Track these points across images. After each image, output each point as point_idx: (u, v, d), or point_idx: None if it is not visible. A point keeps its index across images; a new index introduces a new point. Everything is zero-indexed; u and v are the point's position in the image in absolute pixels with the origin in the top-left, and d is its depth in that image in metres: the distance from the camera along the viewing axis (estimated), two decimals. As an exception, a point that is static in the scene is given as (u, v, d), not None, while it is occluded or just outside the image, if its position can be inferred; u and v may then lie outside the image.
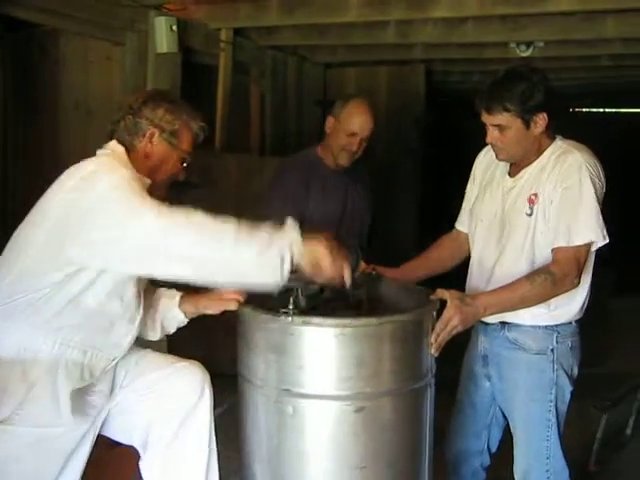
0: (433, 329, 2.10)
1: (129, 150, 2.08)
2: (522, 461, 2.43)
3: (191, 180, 3.96)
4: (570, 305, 2.34)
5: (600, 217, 2.24)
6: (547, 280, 2.21)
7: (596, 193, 2.24)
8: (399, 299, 2.38)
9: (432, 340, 2.10)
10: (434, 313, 2.13)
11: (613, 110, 9.19)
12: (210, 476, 2.23)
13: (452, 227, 2.72)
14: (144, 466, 2.23)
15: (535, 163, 2.35)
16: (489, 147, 2.47)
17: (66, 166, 2.00)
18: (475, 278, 2.48)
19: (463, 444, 2.61)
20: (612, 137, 7.94)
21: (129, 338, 2.10)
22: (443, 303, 2.15)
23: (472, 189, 2.61)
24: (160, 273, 1.90)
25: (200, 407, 2.19)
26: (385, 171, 5.28)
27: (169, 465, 2.19)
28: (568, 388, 2.39)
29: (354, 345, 1.97)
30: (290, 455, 2.02)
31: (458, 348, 2.42)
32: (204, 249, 1.82)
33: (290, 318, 1.94)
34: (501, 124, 2.28)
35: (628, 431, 4.06)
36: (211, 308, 2.25)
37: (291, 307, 1.94)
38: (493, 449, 2.62)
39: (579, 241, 2.22)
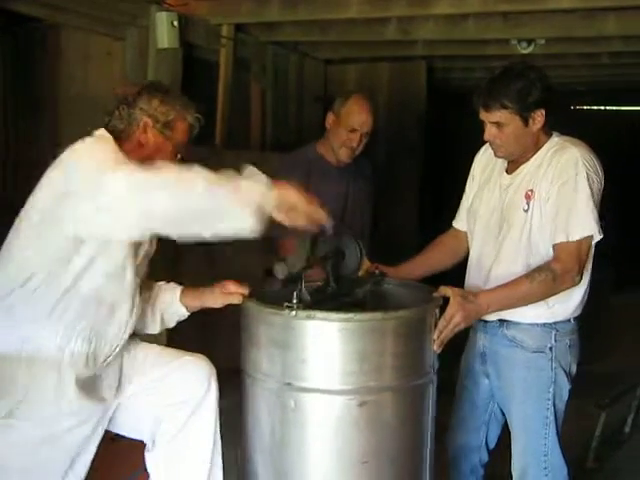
0: (436, 326, 2.11)
1: (122, 141, 2.08)
2: (520, 458, 2.44)
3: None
4: (569, 302, 2.35)
5: (595, 212, 2.25)
6: (548, 277, 2.22)
7: (592, 188, 2.25)
8: (402, 296, 2.39)
9: (435, 337, 2.11)
10: (437, 310, 2.14)
11: (614, 108, 9.19)
12: (214, 468, 2.23)
13: (452, 222, 2.72)
14: (150, 458, 2.25)
15: (532, 160, 2.36)
16: (488, 145, 2.48)
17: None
18: (473, 275, 2.49)
19: (462, 440, 2.62)
20: (613, 135, 7.95)
21: (131, 323, 2.10)
22: (446, 300, 2.15)
23: (471, 187, 2.62)
24: (144, 231, 1.87)
25: (207, 400, 2.20)
26: (386, 167, 5.27)
27: (175, 457, 2.20)
28: (566, 386, 2.39)
29: (358, 340, 1.98)
30: (292, 449, 2.03)
31: (457, 345, 2.42)
32: (178, 202, 1.76)
33: (294, 312, 1.95)
34: (499, 121, 2.29)
35: (627, 429, 4.07)
36: (214, 302, 2.25)
37: (295, 301, 1.95)
38: (491, 446, 2.63)
39: (577, 236, 2.23)
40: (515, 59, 4.67)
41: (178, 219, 1.77)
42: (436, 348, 2.12)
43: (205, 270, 4.14)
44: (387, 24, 4.55)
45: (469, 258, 2.55)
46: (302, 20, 4.52)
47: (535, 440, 2.39)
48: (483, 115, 2.32)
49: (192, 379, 2.21)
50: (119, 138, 2.08)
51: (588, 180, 2.24)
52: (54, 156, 2.00)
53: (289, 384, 2.00)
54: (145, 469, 2.26)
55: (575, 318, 2.40)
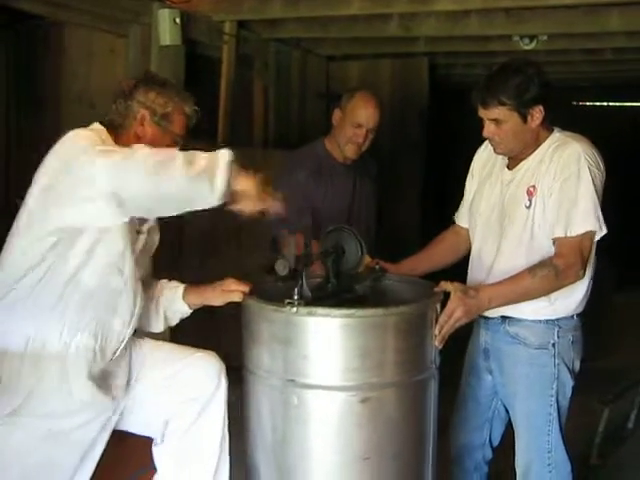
0: (437, 321, 2.11)
1: (120, 133, 2.09)
2: (523, 455, 2.44)
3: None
4: (571, 298, 2.35)
5: (598, 207, 2.25)
6: (550, 272, 2.22)
7: (595, 183, 2.25)
8: (403, 292, 2.39)
9: (436, 332, 2.11)
10: (438, 305, 2.14)
11: (616, 104, 9.17)
12: (222, 463, 2.23)
13: (454, 219, 2.73)
14: (158, 453, 2.25)
15: (533, 155, 2.36)
16: (488, 142, 2.48)
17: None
18: (475, 271, 2.48)
19: (466, 438, 2.61)
20: (615, 131, 7.93)
21: (135, 315, 2.10)
22: (447, 295, 2.16)
23: (471, 184, 2.62)
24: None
25: (217, 396, 2.20)
26: (389, 164, 5.27)
27: (184, 453, 2.20)
28: (569, 383, 2.39)
29: (359, 336, 1.98)
30: (294, 445, 2.04)
31: (460, 341, 2.43)
32: (158, 190, 1.81)
33: (295, 309, 1.95)
34: (497, 118, 2.29)
35: (630, 425, 4.07)
36: (215, 300, 2.25)
37: (296, 298, 1.95)
38: (495, 443, 2.63)
39: (578, 231, 2.23)
40: (517, 55, 4.68)
41: (154, 204, 1.88)
42: (437, 343, 2.12)
43: (206, 268, 4.15)
44: (389, 20, 4.55)
45: (471, 254, 2.55)
46: (304, 17, 4.52)
47: (539, 437, 2.39)
48: (481, 112, 2.32)
49: (202, 376, 2.21)
50: (116, 132, 2.09)
51: (590, 175, 2.24)
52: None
53: (292, 381, 2.00)
54: (152, 466, 2.26)
55: (578, 314, 2.39)
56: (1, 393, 1.94)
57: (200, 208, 1.85)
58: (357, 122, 3.03)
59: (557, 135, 2.36)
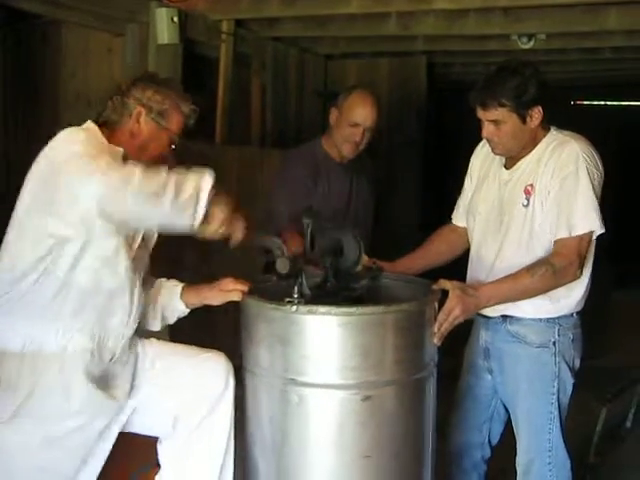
0: (436, 319, 2.11)
1: (115, 130, 2.07)
2: (524, 454, 2.44)
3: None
4: (571, 296, 2.35)
5: (597, 206, 2.25)
6: (548, 271, 2.22)
7: (593, 182, 2.25)
8: (400, 291, 2.40)
9: (435, 330, 2.11)
10: (436, 303, 2.14)
11: (615, 103, 9.17)
12: (227, 462, 2.22)
13: (452, 219, 2.72)
14: (163, 451, 2.23)
15: (531, 155, 2.36)
16: (485, 141, 2.48)
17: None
18: (475, 271, 2.48)
19: (464, 437, 2.61)
20: (613, 130, 7.94)
21: (133, 315, 2.08)
22: (445, 293, 2.16)
23: (469, 183, 2.62)
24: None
25: (225, 396, 2.19)
26: (386, 163, 5.27)
27: (190, 452, 2.19)
28: (570, 381, 2.39)
29: (360, 334, 1.98)
30: (294, 444, 2.03)
31: (458, 340, 2.42)
32: (145, 213, 1.81)
33: (295, 307, 1.95)
34: (497, 119, 2.29)
35: (628, 424, 4.07)
36: (214, 299, 2.24)
37: (296, 296, 1.95)
38: (494, 442, 2.63)
39: (579, 231, 2.23)
40: (516, 54, 4.68)
41: (137, 225, 1.95)
42: (436, 341, 2.12)
43: (204, 267, 4.14)
44: (387, 19, 4.54)
45: (470, 253, 2.55)
46: (302, 15, 4.51)
47: (539, 435, 2.39)
48: (480, 113, 2.32)
49: (211, 376, 2.19)
50: (112, 129, 2.07)
51: (589, 174, 2.24)
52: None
53: (292, 379, 2.00)
54: (155, 463, 2.25)
55: (578, 313, 2.40)
56: (0, 395, 1.94)
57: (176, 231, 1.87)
58: (354, 121, 3.01)
59: (554, 134, 2.37)
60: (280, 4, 4.24)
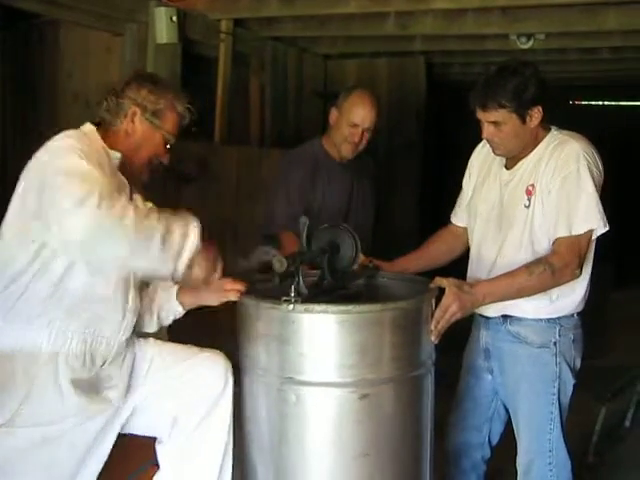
0: (433, 317, 2.11)
1: (109, 130, 2.06)
2: (525, 454, 2.44)
3: (189, 172, 3.99)
4: (572, 296, 2.35)
5: (600, 205, 2.25)
6: (546, 271, 2.21)
7: (594, 181, 2.25)
8: (397, 289, 2.40)
9: (432, 327, 2.11)
10: (433, 301, 2.14)
11: (613, 103, 9.18)
12: (226, 461, 2.21)
13: (451, 219, 2.72)
14: (162, 451, 2.22)
15: (532, 155, 2.36)
16: (485, 141, 2.48)
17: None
18: (475, 272, 2.48)
19: (463, 437, 2.61)
20: (611, 130, 7.93)
21: (128, 320, 2.07)
22: (442, 291, 2.16)
23: (468, 184, 2.62)
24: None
25: (224, 396, 2.18)
26: (385, 163, 5.27)
27: (189, 452, 2.18)
28: (570, 381, 2.39)
29: (357, 332, 1.97)
30: (292, 443, 2.03)
31: (455, 338, 2.42)
32: (130, 252, 1.79)
33: (292, 306, 1.95)
34: (497, 120, 2.28)
35: (627, 423, 4.07)
36: (211, 300, 2.24)
37: (293, 295, 1.95)
38: (494, 442, 2.63)
39: (580, 230, 2.23)
40: (515, 54, 4.67)
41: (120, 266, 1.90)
42: (433, 339, 2.13)
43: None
44: (386, 19, 4.54)
45: (470, 255, 2.54)
46: (301, 15, 4.51)
47: (540, 436, 2.39)
48: (480, 115, 2.31)
49: (210, 376, 2.18)
50: (106, 129, 2.07)
51: (590, 173, 2.24)
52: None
53: (290, 378, 2.00)
54: (154, 462, 2.24)
55: (578, 313, 2.40)
56: None
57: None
58: (353, 121, 3.01)
59: (555, 134, 2.36)
60: (279, 4, 4.24)
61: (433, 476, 2.24)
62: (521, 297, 2.28)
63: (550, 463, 2.40)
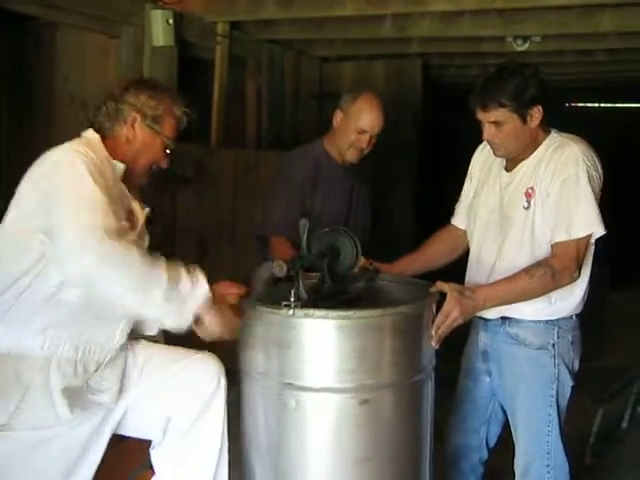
0: (433, 322, 2.11)
1: (109, 136, 2.05)
2: (523, 456, 2.43)
3: (186, 175, 3.98)
4: (571, 298, 2.35)
5: (597, 209, 2.25)
6: (546, 274, 2.21)
7: (593, 185, 2.25)
8: (397, 293, 2.39)
9: (433, 332, 2.11)
10: (434, 306, 2.14)
11: (609, 105, 9.20)
12: (221, 465, 2.21)
13: (448, 220, 2.72)
14: (156, 455, 2.22)
15: (531, 157, 2.35)
16: (485, 143, 2.47)
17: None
18: (475, 274, 2.47)
19: (462, 439, 2.61)
20: (608, 132, 7.95)
21: (119, 330, 2.06)
22: (443, 296, 2.15)
23: (469, 186, 2.61)
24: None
25: (216, 398, 2.17)
26: (382, 165, 5.26)
27: (183, 454, 2.18)
28: (569, 383, 2.39)
29: (357, 337, 1.97)
30: (292, 448, 2.02)
31: (455, 343, 2.42)
32: (132, 298, 1.82)
33: (292, 311, 1.94)
34: (497, 120, 2.28)
35: (624, 425, 4.07)
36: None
37: (293, 299, 1.94)
38: (491, 444, 2.63)
39: (579, 234, 2.23)
40: (511, 56, 4.68)
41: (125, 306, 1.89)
42: (434, 344, 2.12)
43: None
44: (383, 21, 4.54)
45: (469, 256, 2.54)
46: (298, 18, 4.51)
47: (538, 437, 2.39)
48: (480, 115, 2.31)
49: (201, 377, 2.17)
50: (105, 135, 2.06)
51: (589, 177, 2.24)
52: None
53: (289, 384, 1.99)
54: (149, 465, 2.24)
55: (577, 315, 2.40)
56: None
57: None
58: (362, 128, 2.93)
59: (554, 136, 2.36)
60: (276, 6, 4.24)
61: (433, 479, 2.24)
62: (522, 301, 2.28)
63: (548, 465, 2.39)
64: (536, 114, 2.29)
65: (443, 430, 2.59)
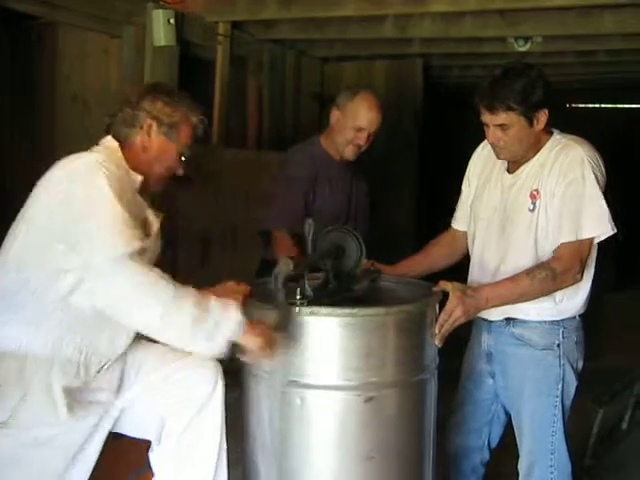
0: (436, 321, 2.11)
1: (125, 143, 2.06)
2: (526, 456, 2.43)
3: (186, 174, 3.98)
4: (575, 298, 2.35)
5: (606, 209, 2.24)
6: (548, 276, 2.21)
7: (599, 186, 2.25)
8: (399, 292, 2.39)
9: (436, 331, 2.11)
10: (437, 305, 2.15)
11: (610, 106, 9.21)
12: (220, 466, 2.21)
13: (449, 220, 2.71)
14: (155, 457, 2.22)
15: (534, 159, 2.34)
16: (484, 144, 2.47)
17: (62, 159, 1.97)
18: (477, 277, 2.46)
19: (463, 440, 2.61)
20: (609, 132, 7.95)
21: (124, 337, 2.08)
22: (445, 295, 2.16)
23: (469, 187, 2.60)
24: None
25: (214, 398, 2.17)
26: (383, 165, 5.27)
27: (181, 455, 2.17)
28: (574, 383, 2.39)
29: (362, 335, 1.97)
30: (296, 446, 2.03)
31: (458, 343, 2.42)
32: (160, 326, 1.86)
33: (297, 309, 1.94)
34: (504, 123, 2.26)
35: (624, 426, 4.07)
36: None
37: (298, 297, 1.94)
38: (493, 445, 2.63)
39: (587, 235, 2.23)
40: (512, 57, 4.68)
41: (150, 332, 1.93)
42: (437, 342, 2.12)
43: (202, 271, 4.14)
44: (384, 22, 4.55)
45: (471, 258, 2.53)
46: (299, 18, 4.52)
47: (543, 438, 2.39)
48: (487, 117, 2.28)
49: (198, 377, 2.17)
50: (121, 142, 2.06)
51: (595, 178, 2.23)
52: (52, 159, 1.98)
53: (295, 381, 2.00)
54: (148, 467, 2.24)
55: (580, 315, 2.40)
56: None
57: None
58: (359, 126, 2.94)
59: (557, 138, 2.35)
60: (277, 6, 4.24)
61: (435, 479, 2.24)
62: (523, 301, 2.28)
63: (551, 465, 2.39)
64: (542, 117, 2.27)
65: (445, 430, 2.58)
